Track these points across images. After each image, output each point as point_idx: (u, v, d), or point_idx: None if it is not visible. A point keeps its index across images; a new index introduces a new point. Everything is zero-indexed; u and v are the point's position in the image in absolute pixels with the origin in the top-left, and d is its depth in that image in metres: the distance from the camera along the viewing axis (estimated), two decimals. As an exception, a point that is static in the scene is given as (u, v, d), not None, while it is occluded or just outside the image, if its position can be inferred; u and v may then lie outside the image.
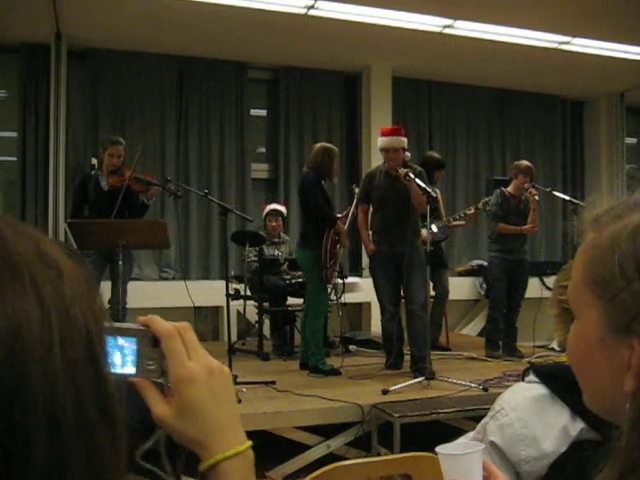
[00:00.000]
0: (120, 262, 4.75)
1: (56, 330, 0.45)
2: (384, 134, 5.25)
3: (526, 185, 5.85)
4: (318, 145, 5.30)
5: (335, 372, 5.05)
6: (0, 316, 0.43)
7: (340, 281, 5.75)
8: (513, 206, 5.90)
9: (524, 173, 5.89)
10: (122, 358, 0.72)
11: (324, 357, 5.23)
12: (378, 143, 5.29)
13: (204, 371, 0.71)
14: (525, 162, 6.08)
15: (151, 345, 0.72)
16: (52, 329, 0.45)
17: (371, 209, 5.43)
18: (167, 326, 0.72)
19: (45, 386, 0.43)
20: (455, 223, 6.45)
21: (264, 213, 6.67)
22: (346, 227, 5.29)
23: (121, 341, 0.71)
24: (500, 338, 5.98)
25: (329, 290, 5.36)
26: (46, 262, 0.48)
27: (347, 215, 5.43)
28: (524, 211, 5.91)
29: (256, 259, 6.23)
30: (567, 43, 7.13)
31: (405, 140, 5.19)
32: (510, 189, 5.98)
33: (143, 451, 1.16)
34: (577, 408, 1.34)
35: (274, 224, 6.55)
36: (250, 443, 0.73)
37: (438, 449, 1.06)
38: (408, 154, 5.32)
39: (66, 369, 0.45)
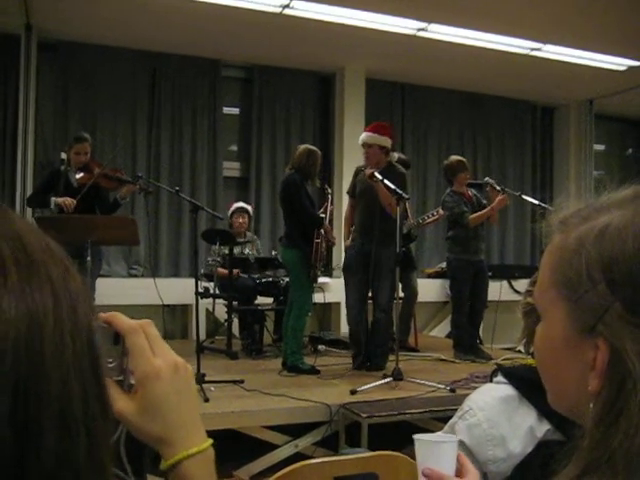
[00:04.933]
0: (88, 258, 4.69)
1: (67, 323, 0.46)
2: (364, 130, 5.31)
3: (487, 180, 5.95)
4: (302, 147, 5.30)
5: (314, 371, 5.07)
6: (21, 306, 0.44)
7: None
8: (465, 203, 5.96)
9: (461, 169, 5.98)
10: None
11: (303, 356, 5.25)
12: None
13: (170, 368, 0.71)
14: (452, 159, 6.16)
15: (111, 343, 0.71)
16: (64, 322, 0.46)
17: None
18: (130, 322, 0.72)
19: (58, 377, 0.45)
20: (429, 220, 6.50)
21: (230, 211, 6.73)
22: (328, 225, 5.33)
23: None
24: (467, 341, 6.02)
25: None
26: (55, 258, 0.49)
27: (326, 213, 5.45)
28: (477, 206, 5.96)
29: (219, 259, 6.24)
30: (538, 49, 7.22)
31: (383, 138, 5.19)
32: (455, 188, 6.05)
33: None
34: (544, 409, 1.36)
35: (241, 220, 6.66)
36: (211, 441, 0.73)
37: (415, 436, 1.08)
38: (395, 155, 5.38)
39: (75, 361, 0.46)
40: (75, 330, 0.47)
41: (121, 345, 0.71)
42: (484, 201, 6.02)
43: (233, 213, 6.73)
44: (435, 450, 1.06)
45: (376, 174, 4.88)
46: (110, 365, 0.71)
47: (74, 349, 0.46)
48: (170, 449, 0.70)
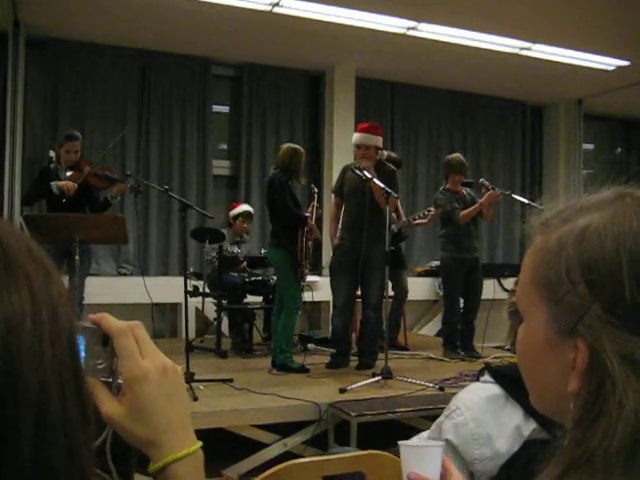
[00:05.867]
0: (77, 257, 4.67)
1: (46, 326, 0.46)
2: (359, 130, 5.32)
3: (482, 181, 5.97)
4: (285, 146, 5.32)
5: (304, 370, 5.07)
6: None
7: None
8: (458, 201, 5.98)
9: (457, 171, 5.99)
10: None
11: (292, 355, 5.26)
12: (352, 139, 5.34)
13: (158, 370, 0.71)
14: (453, 157, 6.13)
15: (100, 344, 0.71)
16: (43, 325, 0.45)
17: None
18: (119, 324, 0.71)
19: (36, 380, 0.44)
20: (417, 222, 6.50)
21: (234, 212, 6.66)
22: (312, 223, 5.34)
23: None
24: (458, 339, 6.03)
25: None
26: (36, 260, 0.49)
27: (312, 211, 5.45)
28: (470, 205, 5.99)
29: (216, 255, 6.22)
30: (528, 49, 7.24)
31: (379, 139, 5.22)
32: (449, 186, 6.06)
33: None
34: (530, 408, 1.37)
35: (245, 226, 6.63)
36: (200, 444, 0.73)
37: (400, 442, 1.08)
38: (385, 153, 5.39)
39: (54, 365, 0.45)
40: (55, 333, 0.46)
41: (110, 346, 0.71)
42: (479, 200, 6.03)
43: (239, 215, 6.65)
44: (420, 455, 1.07)
45: (365, 173, 4.89)
46: (100, 367, 0.71)
47: (53, 353, 0.45)
48: (159, 452, 0.70)
